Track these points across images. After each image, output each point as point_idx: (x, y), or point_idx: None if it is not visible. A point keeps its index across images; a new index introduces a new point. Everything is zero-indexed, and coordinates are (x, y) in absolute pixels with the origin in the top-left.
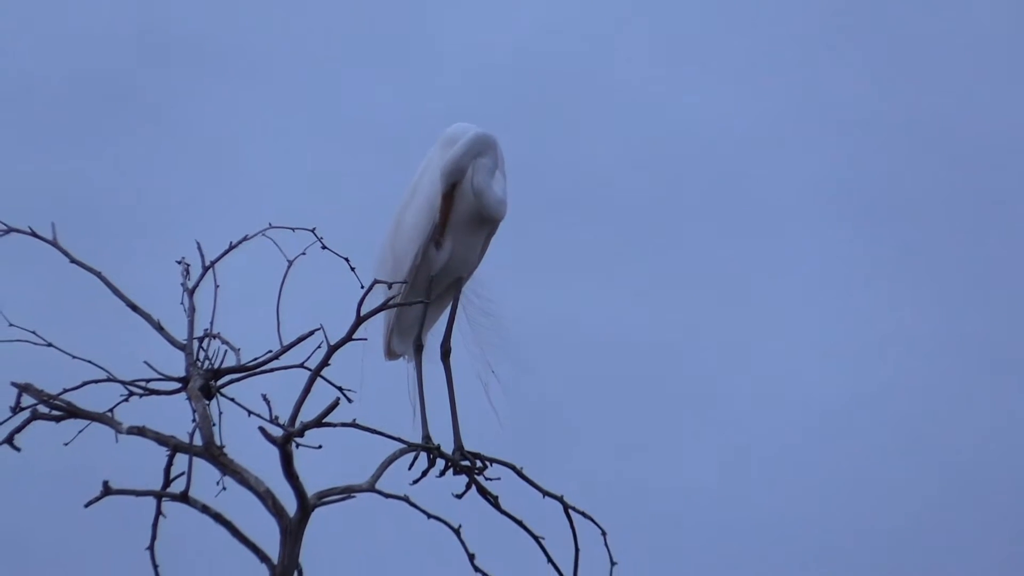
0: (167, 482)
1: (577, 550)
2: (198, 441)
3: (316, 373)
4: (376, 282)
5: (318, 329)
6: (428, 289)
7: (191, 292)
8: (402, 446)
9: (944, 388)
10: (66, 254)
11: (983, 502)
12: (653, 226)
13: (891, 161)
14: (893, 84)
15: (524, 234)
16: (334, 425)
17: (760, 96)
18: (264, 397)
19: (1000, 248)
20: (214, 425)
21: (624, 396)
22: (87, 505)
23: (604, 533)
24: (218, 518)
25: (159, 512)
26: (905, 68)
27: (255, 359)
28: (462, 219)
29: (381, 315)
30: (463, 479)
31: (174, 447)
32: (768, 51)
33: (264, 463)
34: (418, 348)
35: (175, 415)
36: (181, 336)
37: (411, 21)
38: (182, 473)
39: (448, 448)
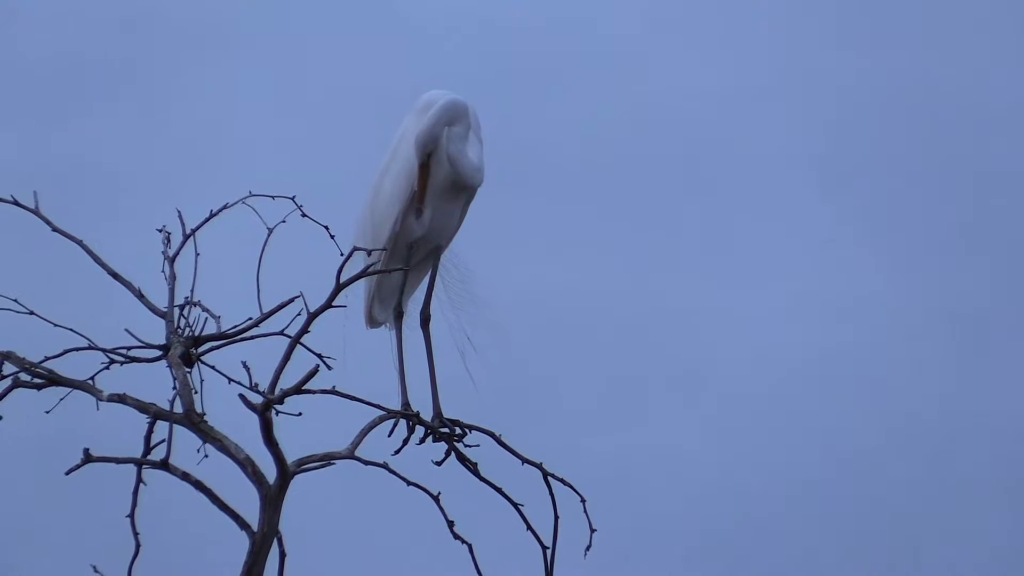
0: (147, 449)
1: (556, 517)
2: (179, 409)
3: (296, 340)
4: (355, 249)
5: (298, 296)
6: (408, 257)
7: (172, 260)
8: (382, 413)
9: (910, 350)
10: (48, 222)
11: (947, 460)
12: (632, 194)
13: (865, 126)
14: (868, 50)
15: (505, 204)
16: (314, 392)
17: (739, 63)
18: (244, 364)
19: (971, 216)
20: (195, 392)
21: (604, 364)
22: (68, 472)
23: (583, 500)
24: (198, 485)
25: (140, 479)
26: (881, 35)
27: (235, 327)
28: (439, 187)
29: (362, 283)
30: (442, 446)
31: (155, 415)
32: (748, 19)
33: (244, 430)
34: (398, 315)
35: (156, 383)
36: (162, 304)
37: None
38: (162, 440)
39: (427, 415)
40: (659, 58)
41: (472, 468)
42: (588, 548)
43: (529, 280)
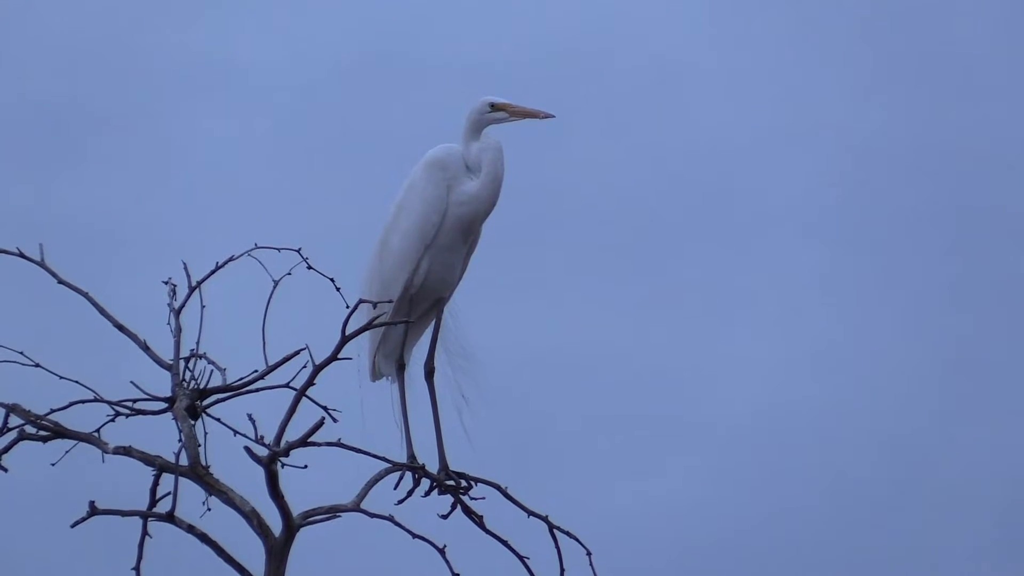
0: (153, 502)
1: (562, 571)
2: (184, 461)
3: (301, 393)
4: (361, 301)
5: (303, 349)
6: (408, 309)
7: (177, 312)
8: (387, 465)
9: (910, 399)
10: (53, 275)
11: (948, 506)
12: (637, 244)
13: (867, 179)
14: (874, 105)
15: (506, 257)
16: (319, 444)
17: (751, 111)
18: (250, 417)
19: (969, 268)
20: (200, 445)
21: (610, 416)
22: (73, 525)
23: (589, 553)
24: (204, 538)
25: (145, 532)
26: (887, 88)
27: (241, 379)
28: (442, 238)
29: (366, 336)
30: (448, 499)
31: (160, 467)
32: (763, 67)
33: (250, 483)
34: (400, 367)
35: (161, 435)
36: (167, 356)
37: (409, 37)
38: (168, 493)
39: (433, 467)
40: (667, 110)
41: (478, 521)
42: None
43: (534, 334)
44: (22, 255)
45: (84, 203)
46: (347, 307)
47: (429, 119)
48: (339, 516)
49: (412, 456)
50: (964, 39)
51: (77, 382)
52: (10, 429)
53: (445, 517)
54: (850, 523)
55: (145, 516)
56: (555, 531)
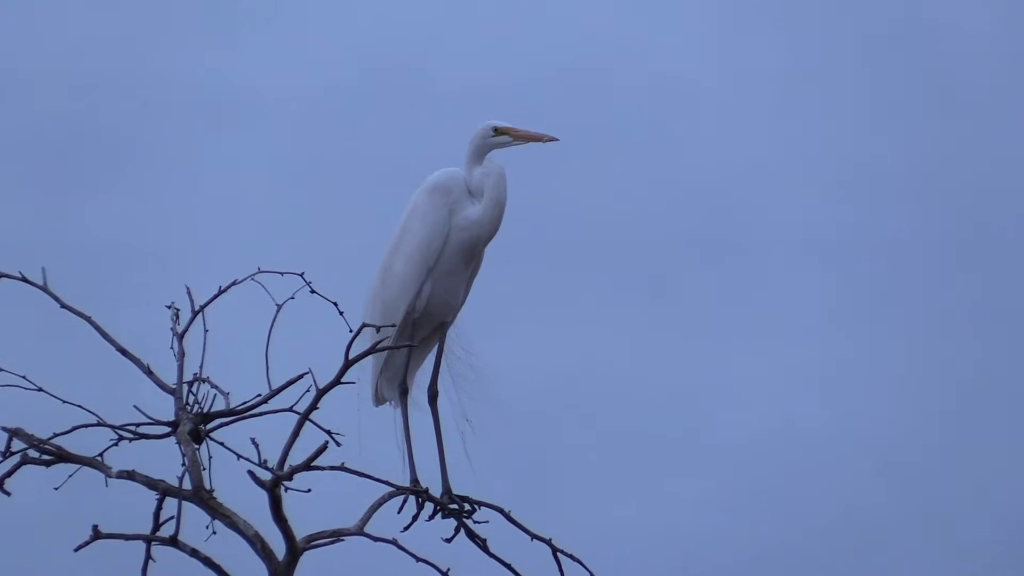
0: (156, 526)
1: None
2: (187, 485)
3: (305, 417)
4: (364, 326)
5: (307, 373)
6: (411, 333)
7: (180, 336)
8: (391, 489)
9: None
10: (56, 299)
11: (946, 518)
12: (645, 268)
13: (876, 202)
14: (881, 128)
15: (513, 278)
16: (323, 468)
17: (757, 133)
18: (253, 441)
19: (972, 290)
20: (204, 469)
21: (613, 439)
22: (77, 549)
23: None
24: (207, 562)
25: (149, 556)
26: (894, 111)
27: (244, 403)
28: (444, 262)
29: (369, 361)
30: (452, 523)
31: (164, 491)
32: (770, 89)
33: (253, 507)
34: (403, 392)
35: (165, 459)
36: (171, 380)
37: (413, 61)
38: (171, 517)
39: (436, 491)
40: (672, 133)
41: (481, 544)
42: None
43: (538, 356)
44: (24, 279)
45: (87, 227)
46: (350, 331)
47: (433, 143)
48: (343, 540)
49: (415, 480)
50: (969, 65)
51: (80, 406)
52: (13, 453)
53: (449, 541)
54: (858, 547)
55: (149, 540)
56: (558, 554)
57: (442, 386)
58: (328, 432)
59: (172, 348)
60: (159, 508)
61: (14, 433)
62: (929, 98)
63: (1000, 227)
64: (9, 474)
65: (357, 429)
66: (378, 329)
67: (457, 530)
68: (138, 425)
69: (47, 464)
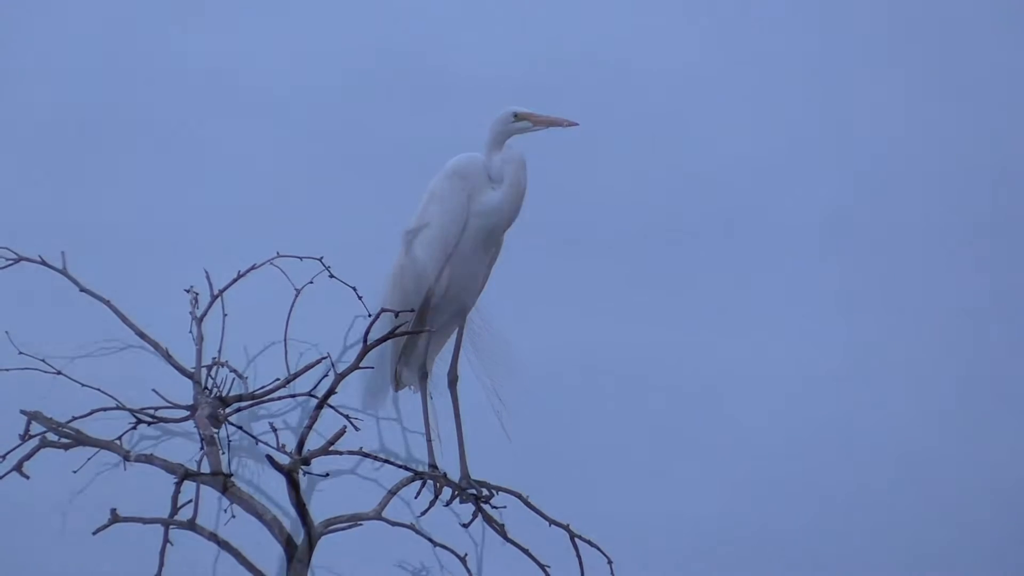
0: (174, 510)
1: None
2: (206, 469)
3: (323, 401)
4: (383, 310)
5: (325, 357)
6: (431, 318)
7: (199, 320)
8: (409, 474)
9: (929, 411)
10: (75, 282)
11: (959, 509)
12: (664, 252)
13: (891, 192)
14: (897, 117)
15: (535, 261)
16: (341, 453)
17: (774, 122)
18: (271, 425)
19: (987, 281)
20: (222, 453)
21: (632, 424)
22: (95, 532)
23: (610, 562)
24: (225, 546)
25: (166, 540)
26: (910, 100)
27: (263, 387)
28: (463, 247)
29: (388, 345)
30: (470, 507)
31: (182, 475)
32: (787, 78)
33: (271, 491)
34: (423, 376)
35: (183, 443)
36: (189, 364)
37: (431, 47)
38: (189, 501)
39: (455, 476)
40: (693, 122)
41: (499, 529)
42: None
43: (556, 339)
44: (44, 263)
45: (105, 210)
46: (369, 316)
47: (451, 128)
48: (361, 524)
49: (433, 464)
50: (990, 51)
51: (99, 390)
52: (32, 436)
53: (466, 526)
54: (870, 537)
55: (167, 524)
56: (576, 540)
57: (469, 369)
58: (347, 416)
59: (191, 332)
60: (177, 492)
61: (33, 416)
62: (949, 84)
63: (1019, 214)
64: (28, 457)
65: (373, 414)
66: (397, 314)
67: (475, 515)
68: (157, 409)
69: (66, 447)
